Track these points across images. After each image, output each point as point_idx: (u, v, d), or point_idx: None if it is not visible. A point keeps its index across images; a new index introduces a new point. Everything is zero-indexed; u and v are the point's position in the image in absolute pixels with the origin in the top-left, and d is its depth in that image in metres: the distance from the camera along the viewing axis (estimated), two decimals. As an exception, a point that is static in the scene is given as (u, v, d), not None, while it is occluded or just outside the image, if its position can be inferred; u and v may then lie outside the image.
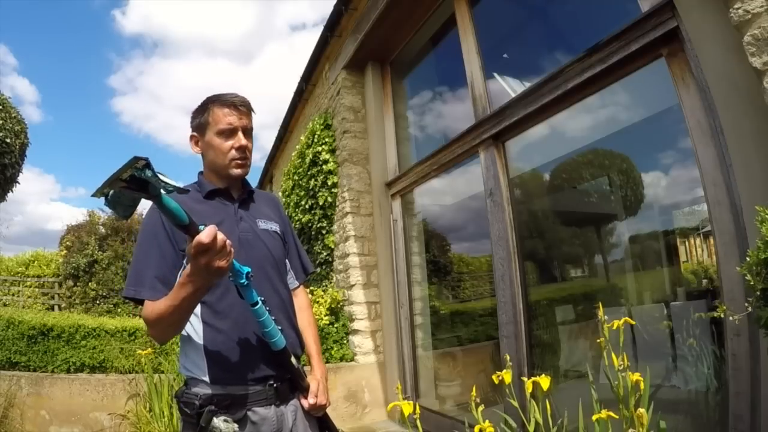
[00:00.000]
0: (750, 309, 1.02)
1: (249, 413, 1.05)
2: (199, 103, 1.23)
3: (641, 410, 1.11)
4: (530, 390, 1.33)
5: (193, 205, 1.13)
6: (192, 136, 1.22)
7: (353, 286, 4.04)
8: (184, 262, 1.07)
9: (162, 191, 0.78)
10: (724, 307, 1.10)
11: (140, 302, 1.07)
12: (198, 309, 1.09)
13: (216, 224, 0.93)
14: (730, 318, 1.07)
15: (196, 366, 1.08)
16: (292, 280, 1.35)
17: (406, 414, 1.17)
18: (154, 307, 1.01)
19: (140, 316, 1.08)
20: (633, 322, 1.47)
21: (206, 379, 1.06)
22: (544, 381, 1.27)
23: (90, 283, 9.63)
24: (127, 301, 1.07)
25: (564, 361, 2.88)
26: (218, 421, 1.00)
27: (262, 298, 1.01)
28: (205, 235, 0.83)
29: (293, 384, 1.15)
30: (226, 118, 1.16)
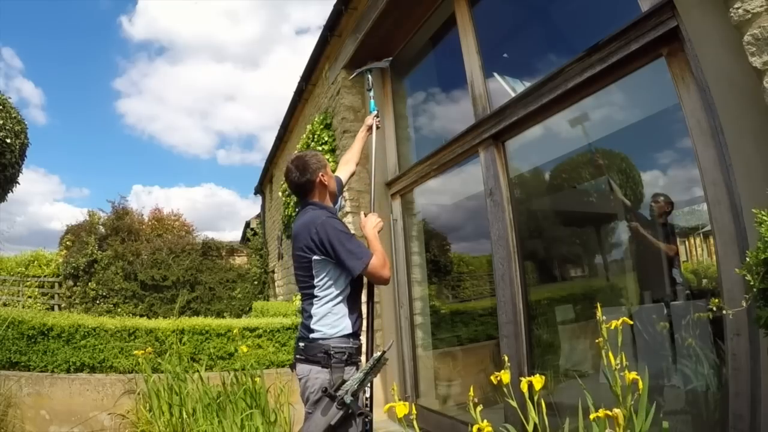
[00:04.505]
0: (745, 305, 1.02)
1: None
2: (314, 155, 1.91)
3: (616, 410, 1.12)
4: (528, 390, 1.33)
5: None
6: (323, 174, 1.87)
7: (353, 285, 4.03)
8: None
9: None
10: (717, 301, 1.10)
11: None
12: (346, 303, 1.90)
13: None
14: (725, 312, 1.07)
15: (347, 327, 1.88)
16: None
17: (401, 415, 1.17)
18: (377, 257, 1.75)
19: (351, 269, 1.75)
20: (631, 322, 1.46)
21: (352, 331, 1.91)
22: (537, 381, 1.28)
23: (90, 283, 9.62)
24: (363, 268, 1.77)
25: (564, 360, 2.88)
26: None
27: None
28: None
29: None
30: None
